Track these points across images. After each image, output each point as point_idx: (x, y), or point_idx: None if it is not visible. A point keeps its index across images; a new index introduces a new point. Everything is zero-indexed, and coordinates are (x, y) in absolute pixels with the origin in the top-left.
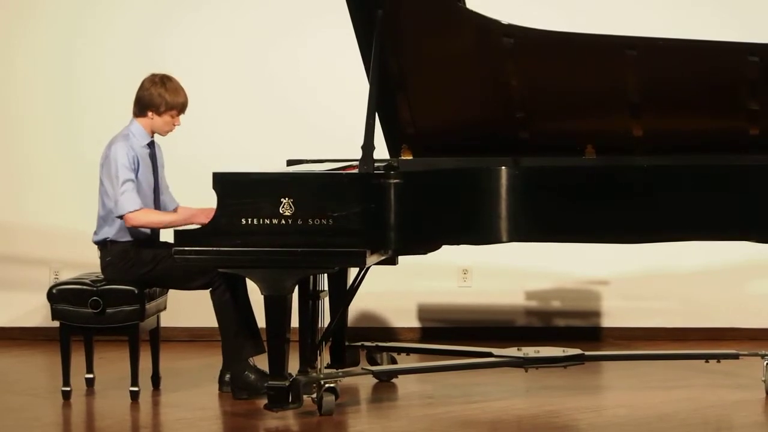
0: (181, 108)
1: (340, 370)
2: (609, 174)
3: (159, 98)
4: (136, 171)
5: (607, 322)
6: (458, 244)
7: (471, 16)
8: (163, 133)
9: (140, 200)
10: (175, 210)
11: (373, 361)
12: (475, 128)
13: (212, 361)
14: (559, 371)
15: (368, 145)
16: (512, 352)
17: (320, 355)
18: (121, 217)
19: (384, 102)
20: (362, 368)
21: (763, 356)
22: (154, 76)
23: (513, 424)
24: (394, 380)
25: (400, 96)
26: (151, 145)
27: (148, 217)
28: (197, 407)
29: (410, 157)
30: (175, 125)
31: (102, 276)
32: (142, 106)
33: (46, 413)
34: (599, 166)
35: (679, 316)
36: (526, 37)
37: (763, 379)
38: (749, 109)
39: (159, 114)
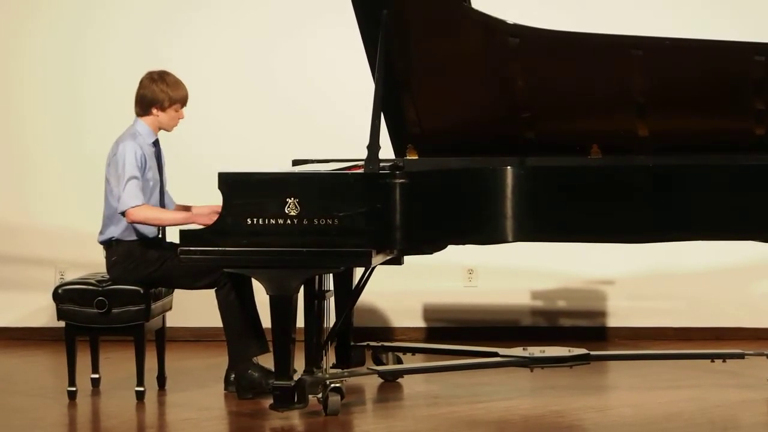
0: (184, 101)
1: (345, 370)
2: (614, 174)
3: (162, 94)
4: (144, 170)
5: (612, 322)
6: (464, 243)
7: (476, 15)
8: (170, 129)
9: (143, 197)
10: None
11: (378, 361)
12: (481, 128)
13: (218, 361)
14: (564, 371)
15: (374, 145)
16: (518, 352)
17: (326, 354)
18: (123, 213)
19: (389, 102)
20: (368, 368)
21: None
22: (151, 73)
23: (518, 424)
24: (399, 380)
25: (405, 96)
26: (156, 143)
27: (149, 213)
28: (203, 407)
29: (416, 157)
30: (179, 119)
31: (107, 276)
32: (146, 104)
33: (51, 413)
34: (605, 166)
35: (685, 315)
36: (532, 36)
37: None
38: (755, 109)
39: (163, 110)
